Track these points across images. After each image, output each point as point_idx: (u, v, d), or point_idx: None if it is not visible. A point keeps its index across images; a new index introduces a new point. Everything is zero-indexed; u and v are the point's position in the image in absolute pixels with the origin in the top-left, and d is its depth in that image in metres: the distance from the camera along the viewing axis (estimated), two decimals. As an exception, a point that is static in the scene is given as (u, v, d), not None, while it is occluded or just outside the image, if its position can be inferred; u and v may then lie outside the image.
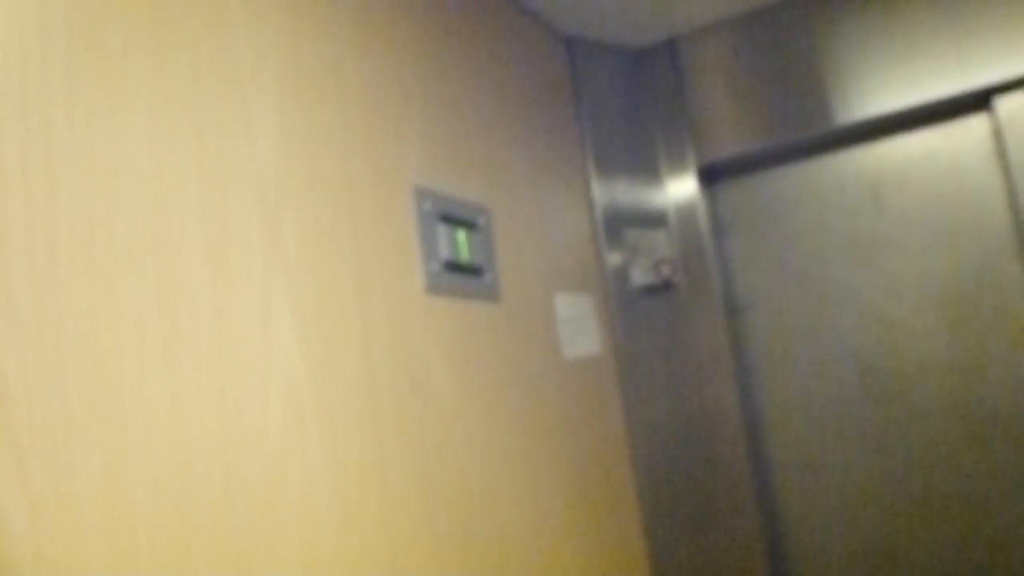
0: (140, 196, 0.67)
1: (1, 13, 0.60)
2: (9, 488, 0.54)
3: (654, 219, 1.49)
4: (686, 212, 1.50)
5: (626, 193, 1.47)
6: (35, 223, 0.58)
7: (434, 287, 1.00)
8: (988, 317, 1.35)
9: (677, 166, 1.52)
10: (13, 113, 0.59)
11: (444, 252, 1.03)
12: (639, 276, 1.43)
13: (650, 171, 1.52)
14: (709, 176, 1.58)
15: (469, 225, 1.09)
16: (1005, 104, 1.32)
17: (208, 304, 0.71)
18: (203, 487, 0.66)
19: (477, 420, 1.03)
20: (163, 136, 0.70)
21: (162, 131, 0.70)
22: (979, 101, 1.36)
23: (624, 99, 1.53)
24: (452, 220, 1.06)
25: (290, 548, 0.73)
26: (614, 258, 1.42)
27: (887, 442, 1.41)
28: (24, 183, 0.58)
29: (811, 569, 1.45)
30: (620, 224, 1.45)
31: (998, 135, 1.34)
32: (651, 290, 1.45)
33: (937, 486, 1.37)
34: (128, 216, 0.65)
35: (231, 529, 0.68)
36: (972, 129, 1.38)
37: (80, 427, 0.58)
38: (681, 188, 1.51)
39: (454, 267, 1.04)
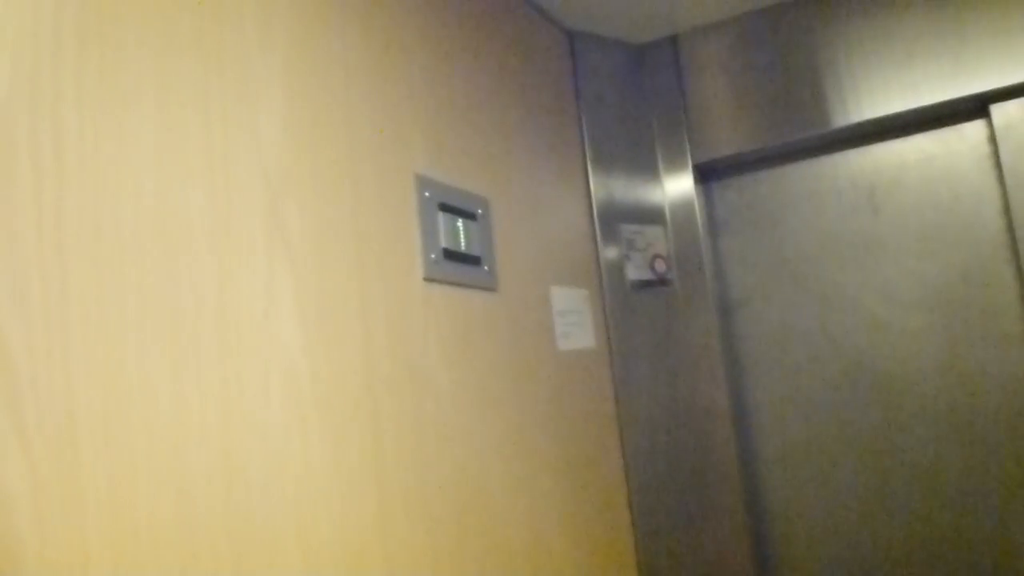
0: (146, 181, 0.67)
1: (14, 7, 0.60)
2: (14, 466, 0.54)
3: (650, 215, 1.50)
4: (682, 209, 1.51)
5: (623, 188, 1.48)
6: (44, 208, 0.58)
7: (433, 275, 1.00)
8: (979, 320, 1.36)
9: (674, 163, 1.53)
10: (24, 103, 0.59)
11: (443, 241, 1.03)
12: (634, 272, 1.44)
13: (648, 167, 1.53)
14: (706, 174, 1.59)
15: (468, 215, 1.09)
16: (1001, 111, 1.33)
17: (211, 289, 0.71)
18: (203, 469, 0.67)
19: (472, 408, 1.04)
20: (170, 123, 0.70)
21: (169, 119, 0.70)
22: (975, 108, 1.37)
23: (624, 94, 1.54)
24: (452, 209, 1.06)
25: (287, 530, 0.73)
26: (610, 253, 1.43)
27: (875, 441, 1.42)
28: (34, 170, 0.58)
29: (796, 564, 1.47)
30: (616, 219, 1.45)
31: (993, 142, 1.35)
32: (646, 286, 1.46)
33: (923, 486, 1.38)
34: (134, 201, 0.66)
35: (230, 510, 0.68)
36: (967, 135, 1.39)
37: (83, 406, 0.59)
38: (678, 185, 1.52)
39: (453, 256, 1.05)
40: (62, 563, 0.55)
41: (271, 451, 0.74)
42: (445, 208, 1.05)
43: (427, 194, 1.02)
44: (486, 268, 1.11)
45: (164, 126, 0.70)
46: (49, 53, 0.61)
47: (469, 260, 1.08)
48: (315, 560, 0.76)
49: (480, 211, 1.12)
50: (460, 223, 1.07)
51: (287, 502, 0.74)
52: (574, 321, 1.31)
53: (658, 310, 1.47)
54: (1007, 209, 1.34)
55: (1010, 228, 1.34)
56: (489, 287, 1.11)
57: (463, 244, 1.07)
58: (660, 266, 1.45)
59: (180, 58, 0.72)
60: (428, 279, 1.00)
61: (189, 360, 0.67)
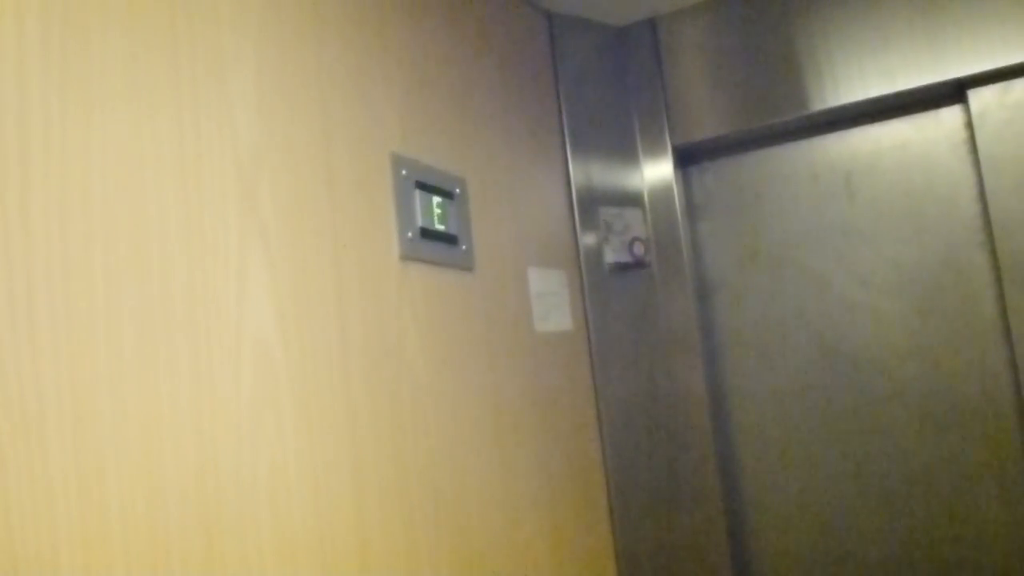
0: (116, 161, 0.65)
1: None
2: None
3: (629, 198, 1.49)
4: (660, 193, 1.50)
5: (602, 170, 1.47)
6: (8, 192, 0.57)
7: (409, 254, 0.99)
8: (953, 306, 1.37)
9: (653, 146, 1.52)
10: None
11: (419, 219, 1.02)
12: (612, 254, 1.43)
13: (626, 149, 1.52)
14: (685, 158, 1.58)
15: (445, 194, 1.08)
16: (978, 97, 1.34)
17: (183, 273, 0.69)
18: (175, 459, 0.65)
19: (448, 392, 1.02)
20: (140, 105, 0.68)
21: (139, 101, 0.68)
22: (952, 93, 1.37)
23: (603, 76, 1.53)
24: (428, 188, 1.05)
25: (261, 515, 0.72)
26: (588, 235, 1.42)
27: (850, 425, 1.43)
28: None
29: (772, 550, 1.47)
30: (595, 202, 1.45)
31: (970, 127, 1.36)
32: (624, 268, 1.45)
33: (898, 472, 1.39)
34: (102, 183, 0.64)
35: (203, 501, 0.67)
36: (944, 121, 1.40)
37: (52, 398, 0.57)
38: (656, 168, 1.51)
39: (429, 234, 1.03)
40: (31, 557, 0.54)
41: (244, 434, 0.72)
42: (422, 187, 1.04)
43: (403, 172, 1.01)
44: (463, 247, 1.10)
45: (134, 109, 0.68)
46: (13, 38, 0.59)
47: (446, 239, 1.06)
48: (290, 551, 0.74)
49: (457, 190, 1.11)
50: (437, 202, 1.06)
51: (260, 484, 0.73)
52: (552, 303, 1.30)
53: (636, 293, 1.46)
54: (982, 195, 1.35)
55: (985, 214, 1.35)
56: (466, 266, 1.10)
57: (440, 223, 1.06)
58: (638, 249, 1.44)
59: (150, 39, 0.70)
60: (404, 258, 0.98)
61: (160, 347, 0.66)
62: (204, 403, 0.69)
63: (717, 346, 1.54)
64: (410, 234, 1.00)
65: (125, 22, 0.68)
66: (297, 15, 0.88)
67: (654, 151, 1.52)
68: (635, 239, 1.45)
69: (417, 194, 1.02)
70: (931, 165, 1.40)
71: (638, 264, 1.46)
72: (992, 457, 1.34)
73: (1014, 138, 1.31)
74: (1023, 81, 1.31)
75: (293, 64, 0.87)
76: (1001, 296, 1.34)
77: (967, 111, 1.36)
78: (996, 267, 1.34)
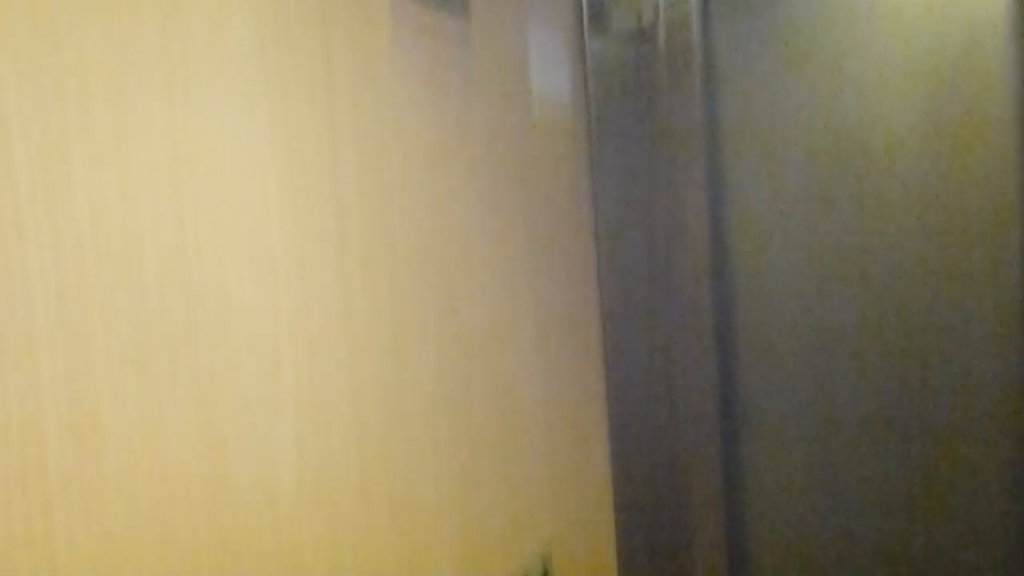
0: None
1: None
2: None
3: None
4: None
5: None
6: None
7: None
8: (969, 96, 1.30)
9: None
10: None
11: (413, -52, 0.91)
12: (619, 19, 1.32)
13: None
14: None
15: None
16: None
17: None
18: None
19: (440, 147, 0.95)
20: None
21: None
22: None
23: None
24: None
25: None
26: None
27: (854, 224, 1.38)
28: None
29: (759, 377, 1.47)
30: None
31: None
32: (630, 39, 1.34)
33: (899, 282, 1.36)
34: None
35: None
36: None
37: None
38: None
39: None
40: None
41: (226, 188, 0.65)
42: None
43: None
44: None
45: None
46: None
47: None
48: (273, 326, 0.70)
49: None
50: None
51: (243, 266, 0.67)
52: (551, 66, 1.21)
53: (640, 77, 1.37)
54: (1021, -19, 1.24)
55: (1021, 4, 1.25)
56: (461, 10, 1.00)
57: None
58: (648, 15, 1.33)
59: None
60: (394, -11, 0.88)
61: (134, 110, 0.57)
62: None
63: (720, 143, 1.46)
64: (401, -36, 0.89)
65: None
66: None
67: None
68: (643, 7, 1.33)
69: (410, -81, 0.90)
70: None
71: (644, 34, 1.35)
72: (989, 265, 1.31)
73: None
74: None
75: None
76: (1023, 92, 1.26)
77: None
78: (1022, 61, 1.26)
